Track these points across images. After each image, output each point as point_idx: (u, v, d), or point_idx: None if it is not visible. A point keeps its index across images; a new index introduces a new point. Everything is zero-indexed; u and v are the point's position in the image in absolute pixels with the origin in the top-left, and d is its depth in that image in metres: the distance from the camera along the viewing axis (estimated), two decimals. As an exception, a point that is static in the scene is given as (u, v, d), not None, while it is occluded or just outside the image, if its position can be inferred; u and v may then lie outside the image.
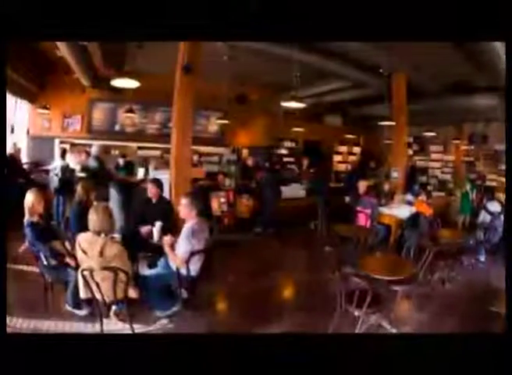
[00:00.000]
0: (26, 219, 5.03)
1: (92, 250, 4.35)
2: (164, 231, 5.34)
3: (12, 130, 12.16)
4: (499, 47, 7.11)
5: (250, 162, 13.14)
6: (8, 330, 4.59)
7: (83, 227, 4.68)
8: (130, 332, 4.57)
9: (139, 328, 4.72)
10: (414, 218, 8.77)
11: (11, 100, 11.85)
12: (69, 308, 5.03)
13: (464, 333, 4.23)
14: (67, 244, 5.50)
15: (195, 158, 13.64)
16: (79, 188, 5.91)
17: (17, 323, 4.76)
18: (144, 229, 5.84)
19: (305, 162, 14.98)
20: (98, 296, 4.43)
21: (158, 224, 5.42)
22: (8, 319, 4.78)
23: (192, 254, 4.85)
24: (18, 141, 11.76)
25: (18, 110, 12.65)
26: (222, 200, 9.98)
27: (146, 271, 5.60)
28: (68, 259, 5.00)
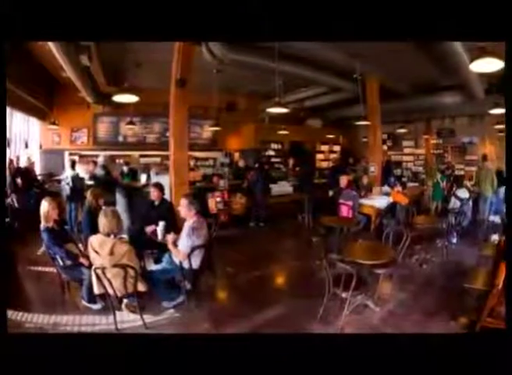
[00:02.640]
0: (43, 224, 5.04)
1: (103, 250, 4.38)
2: (167, 230, 5.33)
3: (26, 145, 12.16)
4: (460, 48, 7.14)
5: (241, 163, 13.17)
6: (30, 326, 4.61)
7: (94, 230, 4.72)
8: (130, 330, 4.62)
9: (148, 318, 4.72)
10: (392, 207, 8.85)
11: (23, 118, 11.85)
12: (84, 303, 5.03)
13: (464, 333, 4.21)
14: (80, 245, 5.55)
15: (192, 162, 13.64)
16: (88, 195, 5.91)
17: (38, 320, 4.75)
18: (149, 228, 5.82)
19: (291, 162, 15.07)
20: (111, 291, 4.46)
21: (161, 224, 5.41)
22: (29, 316, 4.80)
23: (193, 249, 4.87)
24: (31, 155, 11.71)
25: (30, 127, 12.63)
26: (218, 199, 9.96)
27: (152, 266, 5.63)
28: (82, 259, 5.00)
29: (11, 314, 4.74)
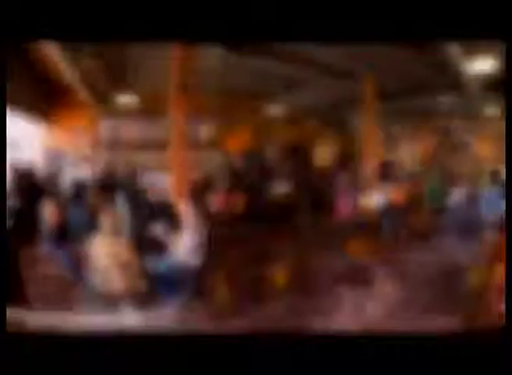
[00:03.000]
0: (44, 225, 5.03)
1: (104, 250, 4.37)
2: (167, 229, 5.33)
3: (27, 147, 12.12)
4: (457, 48, 7.13)
5: (240, 164, 13.19)
6: (32, 326, 4.59)
7: (96, 231, 4.70)
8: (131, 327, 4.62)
9: (149, 317, 4.71)
10: (389, 206, 8.85)
11: (24, 119, 11.83)
12: (86, 303, 5.02)
13: (463, 331, 4.21)
14: (82, 246, 5.52)
15: (191, 163, 13.65)
16: (89, 196, 5.92)
17: (40, 320, 4.74)
18: (150, 228, 5.83)
19: (289, 162, 15.03)
20: (112, 290, 4.45)
21: (162, 224, 5.41)
22: (31, 316, 4.79)
23: (193, 248, 4.87)
24: (32, 156, 11.69)
25: (31, 128, 12.62)
26: (218, 199, 9.97)
27: (153, 266, 5.62)
28: (83, 260, 4.99)
29: (13, 314, 4.73)
